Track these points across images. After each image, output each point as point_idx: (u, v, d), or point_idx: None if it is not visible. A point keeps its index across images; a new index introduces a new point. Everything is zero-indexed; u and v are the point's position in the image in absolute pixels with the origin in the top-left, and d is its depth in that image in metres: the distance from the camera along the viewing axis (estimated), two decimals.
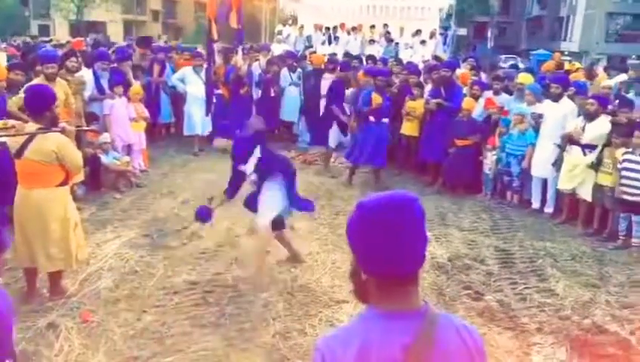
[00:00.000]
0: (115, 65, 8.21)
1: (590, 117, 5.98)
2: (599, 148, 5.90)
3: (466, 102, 7.30)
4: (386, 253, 1.20)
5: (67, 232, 3.94)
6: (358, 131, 7.70)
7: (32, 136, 3.73)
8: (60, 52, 7.95)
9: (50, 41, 15.42)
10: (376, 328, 1.23)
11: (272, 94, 9.82)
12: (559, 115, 6.39)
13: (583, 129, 6.02)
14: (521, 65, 14.98)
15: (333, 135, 8.39)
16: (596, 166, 5.88)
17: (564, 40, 42.39)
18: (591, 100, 6.06)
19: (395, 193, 1.28)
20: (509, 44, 48.82)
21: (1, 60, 7.68)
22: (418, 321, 1.23)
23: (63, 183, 3.95)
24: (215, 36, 8.54)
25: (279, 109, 10.03)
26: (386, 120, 7.55)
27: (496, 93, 7.54)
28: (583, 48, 37.79)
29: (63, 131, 3.88)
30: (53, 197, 3.87)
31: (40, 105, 3.88)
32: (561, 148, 6.27)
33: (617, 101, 6.56)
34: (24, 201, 3.87)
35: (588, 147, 5.99)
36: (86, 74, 7.37)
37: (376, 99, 7.33)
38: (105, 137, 6.87)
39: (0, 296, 0.85)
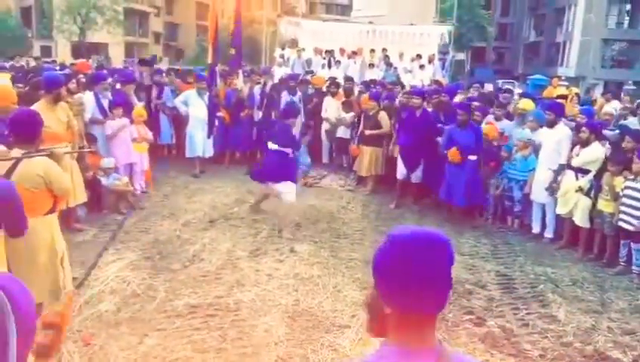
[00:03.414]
0: (119, 87, 8.32)
1: (583, 144, 6.07)
2: (592, 173, 5.97)
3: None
4: (419, 291, 1.19)
5: (55, 263, 3.75)
6: (447, 168, 7.08)
7: (17, 162, 3.51)
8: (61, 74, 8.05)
9: (54, 62, 15.57)
10: None
11: (273, 117, 9.90)
12: (554, 140, 6.46)
13: (578, 154, 6.11)
14: (517, 90, 15.16)
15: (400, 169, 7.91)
16: (587, 191, 5.94)
17: (561, 65, 42.97)
18: (584, 128, 6.13)
19: (430, 231, 1.26)
20: (506, 69, 49.52)
21: (6, 82, 7.74)
22: (433, 360, 1.22)
23: (51, 211, 3.76)
24: (210, 59, 8.67)
25: None
26: (472, 157, 6.89)
27: (498, 118, 7.62)
28: (580, 74, 38.31)
29: (51, 155, 3.68)
30: (41, 227, 3.64)
31: (30, 133, 3.66)
32: (556, 173, 6.33)
33: (618, 131, 6.62)
34: None
35: (580, 171, 6.06)
36: (87, 96, 7.45)
37: (455, 155, 6.85)
38: (110, 162, 6.91)
39: (23, 294, 0.87)
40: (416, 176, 7.80)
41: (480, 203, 7.21)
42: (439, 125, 7.62)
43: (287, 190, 6.73)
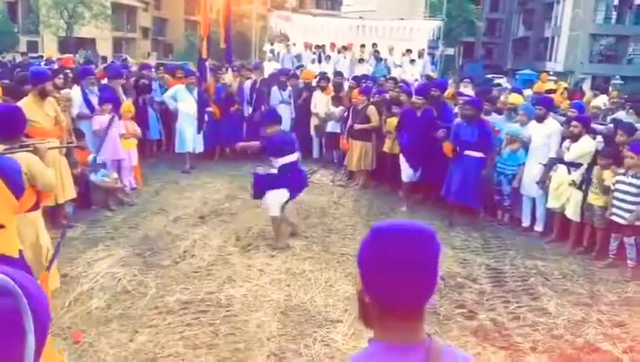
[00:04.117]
0: (106, 82, 8.23)
1: (574, 138, 6.10)
2: (584, 166, 6.01)
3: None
4: (393, 284, 1.17)
5: (40, 260, 3.67)
6: (452, 163, 6.92)
7: None
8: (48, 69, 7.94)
9: (41, 57, 15.39)
10: None
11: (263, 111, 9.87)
12: (544, 134, 6.49)
13: (568, 148, 6.14)
14: (507, 85, 15.26)
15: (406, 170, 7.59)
16: (580, 185, 5.98)
17: (550, 60, 43.24)
18: (575, 123, 6.16)
19: (414, 225, 1.24)
20: (495, 64, 49.75)
21: None
22: (422, 356, 1.19)
23: (35, 207, 3.66)
24: (204, 54, 8.60)
25: None
26: (476, 153, 6.65)
27: (487, 113, 7.63)
28: (568, 68, 38.58)
29: (34, 150, 3.58)
30: (24, 224, 3.53)
31: (13, 128, 3.58)
32: (547, 167, 6.36)
33: (612, 124, 6.66)
34: None
35: (573, 165, 6.10)
36: (75, 91, 7.36)
37: (447, 148, 6.84)
38: (97, 158, 6.82)
39: (38, 291, 0.86)
40: (416, 175, 7.56)
41: (474, 205, 6.95)
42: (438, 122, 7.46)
43: (269, 201, 5.79)
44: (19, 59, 15.97)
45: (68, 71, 9.02)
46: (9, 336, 0.77)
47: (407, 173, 7.62)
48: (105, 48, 36.78)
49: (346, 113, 9.14)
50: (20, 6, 39.07)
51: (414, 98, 7.61)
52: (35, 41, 37.14)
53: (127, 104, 7.78)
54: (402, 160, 7.62)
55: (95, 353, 3.63)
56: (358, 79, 10.60)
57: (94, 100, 7.39)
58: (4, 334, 0.76)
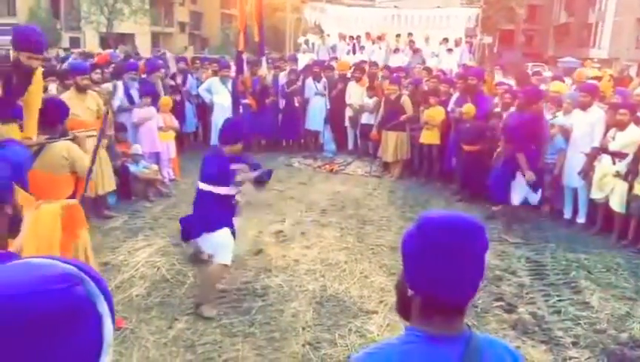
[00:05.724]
0: (145, 76, 8.40)
1: (621, 127, 5.86)
2: (630, 156, 5.77)
3: (466, 108, 7.23)
4: (440, 277, 1.14)
5: (76, 247, 3.84)
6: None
7: (41, 147, 3.69)
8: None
9: (84, 53, 15.83)
10: (416, 352, 1.17)
11: (297, 104, 9.91)
12: (587, 123, 6.26)
13: (614, 137, 5.91)
14: (548, 74, 14.76)
15: (518, 189, 5.89)
16: (625, 175, 5.74)
17: (593, 47, 41.70)
18: (622, 110, 5.92)
19: (464, 217, 1.21)
20: (535, 52, 48.32)
21: None
22: (461, 347, 1.17)
23: (72, 196, 3.84)
24: (241, 46, 8.67)
25: (304, 119, 10.09)
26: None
27: None
28: (613, 55, 37.10)
29: (74, 139, 3.83)
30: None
31: (54, 118, 3.89)
32: (590, 157, 6.13)
33: None
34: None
35: (618, 155, 5.86)
36: (117, 85, 7.54)
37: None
38: (136, 148, 7.01)
39: (99, 275, 0.88)
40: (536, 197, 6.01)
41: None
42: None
43: (214, 245, 4.23)
44: (62, 54, 16.48)
45: (113, 65, 9.24)
46: (89, 323, 0.78)
47: (521, 195, 5.94)
48: (144, 43, 37.50)
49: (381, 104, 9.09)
50: (63, 2, 40.23)
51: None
52: (77, 37, 38.20)
53: (165, 97, 7.94)
54: (519, 180, 5.86)
55: (136, 339, 3.73)
56: (390, 70, 10.49)
57: (135, 94, 7.58)
58: (84, 322, 0.77)
